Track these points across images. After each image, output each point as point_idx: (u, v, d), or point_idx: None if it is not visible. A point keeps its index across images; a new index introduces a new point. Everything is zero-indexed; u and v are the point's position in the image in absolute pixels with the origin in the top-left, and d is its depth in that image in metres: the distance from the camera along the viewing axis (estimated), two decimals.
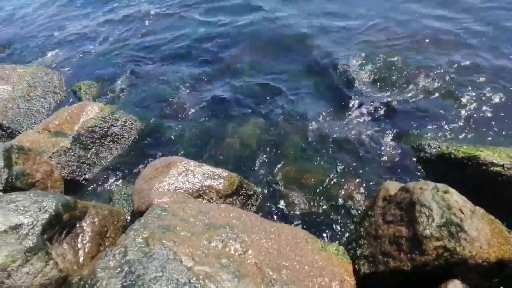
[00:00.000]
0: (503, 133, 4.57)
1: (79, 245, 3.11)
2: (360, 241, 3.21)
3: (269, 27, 8.03)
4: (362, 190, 4.19)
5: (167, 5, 10.00)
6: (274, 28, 7.96)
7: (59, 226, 2.96)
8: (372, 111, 5.27)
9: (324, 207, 4.04)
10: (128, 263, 2.53)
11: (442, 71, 5.78)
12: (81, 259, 3.03)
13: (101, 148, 5.27)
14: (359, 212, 3.89)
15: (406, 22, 7.23)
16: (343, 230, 3.78)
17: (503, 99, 5.07)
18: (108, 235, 3.42)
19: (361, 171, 4.41)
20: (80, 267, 2.91)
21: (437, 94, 5.36)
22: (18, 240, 2.63)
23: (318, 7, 8.44)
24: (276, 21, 8.18)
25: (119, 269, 2.49)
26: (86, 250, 3.11)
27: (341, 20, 7.79)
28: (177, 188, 3.81)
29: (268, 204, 4.13)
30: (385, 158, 4.53)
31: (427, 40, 6.62)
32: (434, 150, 4.38)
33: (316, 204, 4.07)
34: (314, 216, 3.95)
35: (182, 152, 4.95)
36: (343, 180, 4.31)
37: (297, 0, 8.89)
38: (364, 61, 6.32)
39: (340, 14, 7.99)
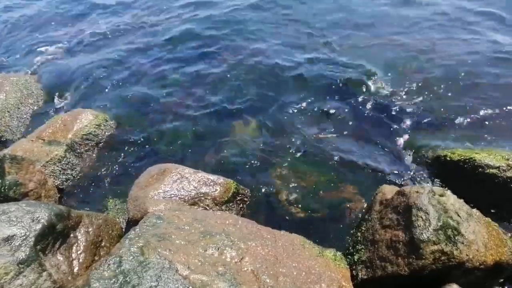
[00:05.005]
0: (499, 134, 4.58)
1: (73, 255, 3.07)
2: (357, 246, 3.20)
3: (269, 30, 8.07)
4: (359, 194, 4.18)
5: (156, 11, 10.02)
6: (274, 31, 8.00)
7: (52, 237, 2.92)
8: (369, 114, 5.27)
9: (321, 212, 4.02)
10: (123, 273, 2.50)
11: (439, 74, 5.81)
12: (76, 269, 2.99)
13: (95, 156, 5.23)
14: (356, 216, 3.88)
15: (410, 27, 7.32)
16: (340, 235, 3.76)
17: (499, 101, 5.10)
18: (103, 245, 3.38)
19: (358, 175, 4.40)
20: (74, 278, 2.87)
21: (434, 98, 5.38)
22: (10, 252, 2.60)
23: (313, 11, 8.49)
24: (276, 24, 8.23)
25: (114, 279, 2.46)
26: (80, 260, 3.07)
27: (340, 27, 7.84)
28: (172, 195, 3.78)
29: (264, 210, 4.10)
30: (382, 161, 4.53)
31: (426, 44, 6.67)
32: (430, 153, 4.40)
33: (313, 209, 4.05)
34: (311, 222, 3.93)
35: (177, 159, 4.92)
36: (340, 184, 4.30)
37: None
38: (363, 65, 6.35)
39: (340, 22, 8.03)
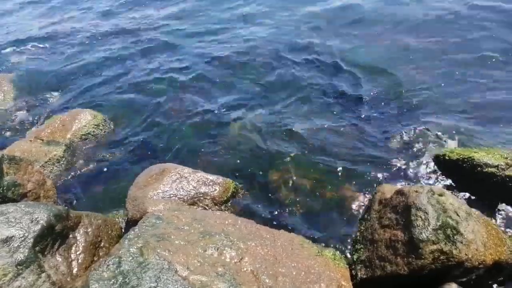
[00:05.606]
0: (498, 133, 4.59)
1: (73, 256, 3.06)
2: (356, 246, 3.20)
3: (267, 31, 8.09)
4: (358, 193, 4.17)
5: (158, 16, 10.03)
6: (271, 32, 8.01)
7: (51, 237, 2.91)
8: (369, 114, 5.27)
9: (320, 211, 4.01)
10: (122, 273, 2.49)
11: (442, 74, 5.81)
12: (75, 270, 2.98)
13: (94, 156, 5.21)
14: (356, 215, 3.88)
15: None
16: (339, 234, 3.76)
17: (498, 99, 5.11)
18: (102, 245, 3.37)
19: (357, 174, 4.39)
20: (73, 279, 2.86)
21: (435, 98, 5.38)
22: (9, 253, 2.59)
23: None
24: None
25: (113, 280, 2.45)
26: (79, 261, 3.06)
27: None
28: (172, 195, 3.78)
29: (263, 210, 4.10)
30: (381, 160, 4.52)
31: (429, 43, 6.67)
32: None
33: (312, 209, 4.05)
34: (310, 221, 3.92)
35: (176, 159, 4.91)
36: (339, 183, 4.29)
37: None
38: (363, 63, 6.35)
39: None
